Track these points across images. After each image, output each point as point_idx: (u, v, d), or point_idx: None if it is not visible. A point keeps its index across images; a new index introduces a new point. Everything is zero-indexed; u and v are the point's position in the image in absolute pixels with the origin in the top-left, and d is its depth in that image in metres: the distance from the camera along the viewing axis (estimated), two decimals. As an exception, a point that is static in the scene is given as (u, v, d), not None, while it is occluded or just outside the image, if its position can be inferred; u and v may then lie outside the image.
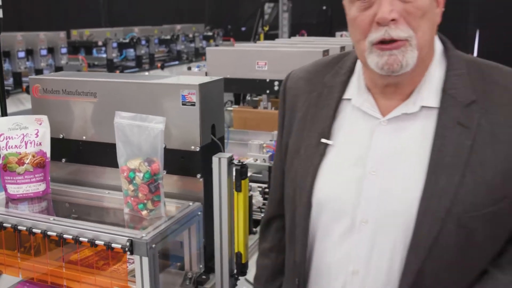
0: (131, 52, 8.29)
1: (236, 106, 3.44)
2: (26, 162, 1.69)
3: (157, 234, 1.44)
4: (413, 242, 1.03)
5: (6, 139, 1.69)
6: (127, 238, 1.41)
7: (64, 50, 6.67)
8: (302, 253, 1.17)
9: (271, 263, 1.35)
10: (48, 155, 1.74)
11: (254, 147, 2.51)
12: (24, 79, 5.85)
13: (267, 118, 3.04)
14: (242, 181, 1.58)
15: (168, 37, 9.04)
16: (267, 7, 10.27)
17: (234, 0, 12.47)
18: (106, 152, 1.74)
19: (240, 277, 1.68)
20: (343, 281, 1.12)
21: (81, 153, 1.84)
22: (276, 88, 2.84)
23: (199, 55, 9.28)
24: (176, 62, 8.86)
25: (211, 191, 1.60)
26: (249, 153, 2.50)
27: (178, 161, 1.67)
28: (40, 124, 1.74)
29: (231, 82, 2.88)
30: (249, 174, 2.41)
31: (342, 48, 3.23)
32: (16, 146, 1.69)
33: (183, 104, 1.64)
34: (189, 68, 3.85)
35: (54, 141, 1.78)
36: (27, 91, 5.65)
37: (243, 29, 11.60)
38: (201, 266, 1.69)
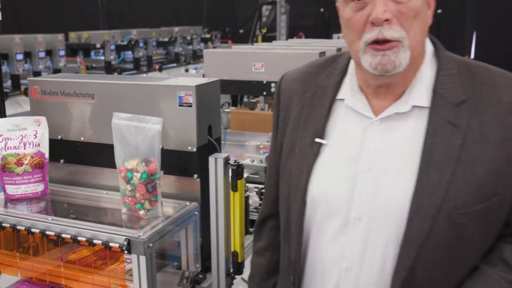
0: (129, 54, 8.29)
1: (234, 108, 3.46)
2: (25, 163, 1.71)
3: (154, 233, 1.46)
4: (405, 238, 1.05)
5: (5, 140, 1.70)
6: (125, 237, 1.43)
7: (62, 53, 6.68)
8: (297, 250, 1.19)
9: (266, 261, 1.37)
10: (47, 156, 1.76)
11: (251, 148, 2.53)
12: (22, 81, 5.85)
13: (264, 120, 3.06)
14: (238, 181, 1.60)
15: (166, 39, 9.05)
16: (265, 10, 10.29)
17: (232, 3, 12.50)
18: (104, 153, 1.77)
19: (236, 276, 1.69)
20: (337, 277, 1.14)
21: (79, 154, 1.86)
22: (273, 89, 2.86)
23: (197, 57, 9.28)
24: (174, 64, 8.87)
25: (207, 191, 1.62)
26: (246, 154, 2.53)
27: (175, 162, 1.69)
28: (38, 125, 1.76)
29: (228, 84, 2.90)
30: (246, 175, 2.44)
31: (338, 50, 3.25)
32: (15, 147, 1.71)
33: (180, 105, 1.66)
34: (187, 70, 3.86)
35: (53, 142, 1.80)
36: (25, 93, 5.66)
37: (241, 31, 11.62)
38: (198, 265, 1.71)
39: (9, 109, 4.60)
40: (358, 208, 1.11)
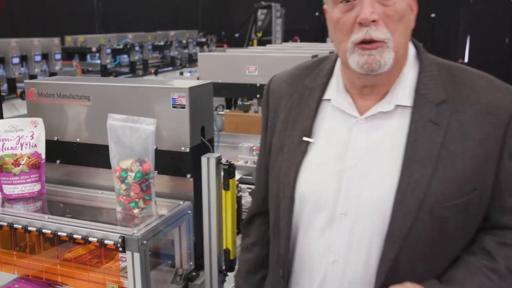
0: (125, 58, 8.33)
1: (228, 110, 3.51)
2: (22, 163, 1.74)
3: (148, 231, 1.50)
4: (389, 232, 1.10)
5: (2, 141, 1.74)
6: (119, 235, 1.46)
7: (58, 56, 6.72)
8: (286, 245, 1.23)
9: (255, 256, 1.40)
10: (43, 156, 1.80)
11: (244, 150, 2.58)
12: (18, 84, 5.88)
13: (258, 122, 3.06)
14: (230, 180, 1.64)
15: (162, 43, 9.09)
16: (260, 14, 10.33)
17: (227, 7, 12.55)
18: (99, 154, 1.80)
19: (228, 273, 1.73)
20: (324, 270, 1.18)
21: (75, 155, 1.89)
22: (266, 92, 2.90)
23: (192, 61, 9.32)
24: (170, 68, 8.91)
25: (200, 191, 1.66)
26: (239, 156, 2.58)
27: (169, 162, 1.73)
28: (35, 126, 1.79)
29: (223, 87, 2.94)
30: (239, 176, 2.49)
31: (331, 53, 3.30)
32: (12, 147, 1.74)
33: (173, 107, 1.70)
34: (181, 73, 3.91)
35: (49, 143, 1.83)
36: (21, 96, 5.69)
37: (237, 35, 11.66)
38: (191, 263, 1.74)
39: (5, 112, 4.63)
40: (344, 204, 1.15)
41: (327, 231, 1.17)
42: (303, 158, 1.21)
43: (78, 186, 1.90)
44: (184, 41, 9.64)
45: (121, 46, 7.96)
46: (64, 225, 1.54)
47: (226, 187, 1.65)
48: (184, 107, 1.69)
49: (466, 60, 9.91)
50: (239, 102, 3.58)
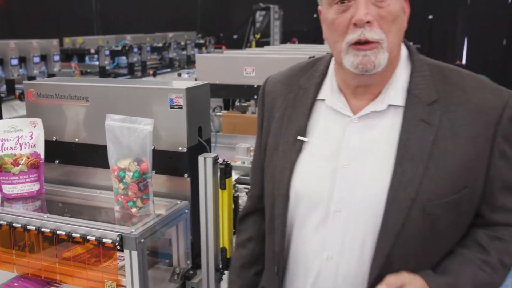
0: (123, 59, 8.35)
1: (225, 112, 3.53)
2: (21, 163, 1.76)
3: (146, 229, 1.52)
4: (382, 229, 1.12)
5: (2, 141, 1.76)
6: (117, 233, 1.48)
7: (57, 58, 6.73)
8: (281, 243, 1.25)
9: (249, 252, 1.42)
10: (42, 156, 1.82)
11: (242, 150, 2.60)
12: (17, 86, 5.90)
13: (255, 123, 3.07)
14: (226, 179, 1.67)
15: (160, 44, 9.11)
16: (259, 15, 10.35)
17: (226, 8, 12.57)
18: (98, 154, 1.82)
19: (225, 272, 1.75)
20: (319, 267, 1.20)
21: (73, 155, 1.91)
22: (263, 93, 2.92)
23: (191, 62, 9.33)
24: (168, 70, 8.93)
25: (198, 190, 1.68)
26: (237, 156, 2.60)
27: (166, 162, 1.75)
28: (34, 127, 1.81)
29: (220, 88, 2.96)
30: (236, 176, 2.51)
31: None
32: (11, 147, 1.76)
33: (171, 107, 1.72)
34: (179, 75, 3.93)
35: (48, 144, 1.85)
36: (20, 98, 5.70)
37: (235, 37, 11.69)
38: (188, 262, 1.76)
39: (4, 113, 4.66)
40: (338, 201, 1.17)
41: (321, 228, 1.19)
42: (298, 156, 1.23)
43: (76, 185, 1.92)
44: (182, 43, 9.65)
45: (119, 48, 7.98)
46: (63, 224, 1.56)
47: (223, 187, 1.67)
48: (181, 108, 1.71)
49: (463, 61, 9.93)
50: (237, 103, 3.60)
